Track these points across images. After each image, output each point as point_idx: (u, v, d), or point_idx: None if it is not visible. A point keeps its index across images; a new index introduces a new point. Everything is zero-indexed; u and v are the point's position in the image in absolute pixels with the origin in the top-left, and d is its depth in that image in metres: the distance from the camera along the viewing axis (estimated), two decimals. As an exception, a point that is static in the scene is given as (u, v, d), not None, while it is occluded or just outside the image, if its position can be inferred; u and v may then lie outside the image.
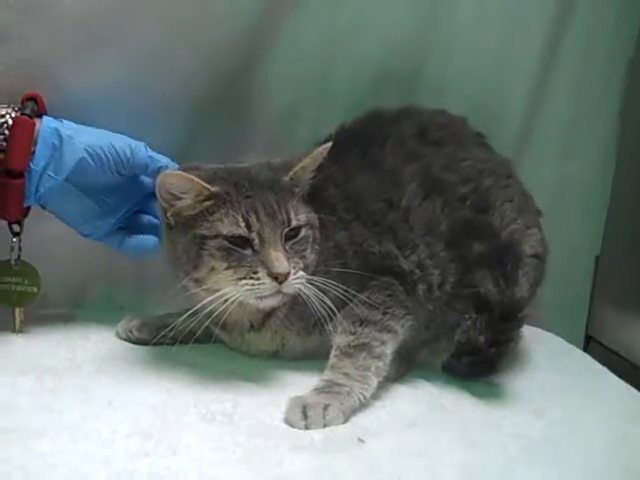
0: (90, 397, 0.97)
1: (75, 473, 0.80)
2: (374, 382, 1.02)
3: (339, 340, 1.05)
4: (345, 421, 0.97)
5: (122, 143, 1.08)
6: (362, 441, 0.92)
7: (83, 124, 1.10)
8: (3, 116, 1.03)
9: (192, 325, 1.15)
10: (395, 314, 1.07)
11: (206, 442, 0.89)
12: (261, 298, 1.01)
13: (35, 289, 1.14)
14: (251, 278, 1.00)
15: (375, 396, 1.03)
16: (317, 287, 1.02)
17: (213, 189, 1.02)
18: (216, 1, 1.19)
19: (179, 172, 1.03)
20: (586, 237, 1.50)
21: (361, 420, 0.98)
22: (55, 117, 1.09)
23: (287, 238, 1.03)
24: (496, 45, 1.36)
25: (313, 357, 1.11)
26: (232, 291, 1.00)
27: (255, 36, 1.24)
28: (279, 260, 0.99)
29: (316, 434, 0.93)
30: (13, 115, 1.04)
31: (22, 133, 1.03)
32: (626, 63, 1.44)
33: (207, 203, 1.02)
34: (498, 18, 1.34)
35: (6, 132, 1.03)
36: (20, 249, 1.13)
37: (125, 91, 1.16)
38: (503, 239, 1.10)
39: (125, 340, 1.17)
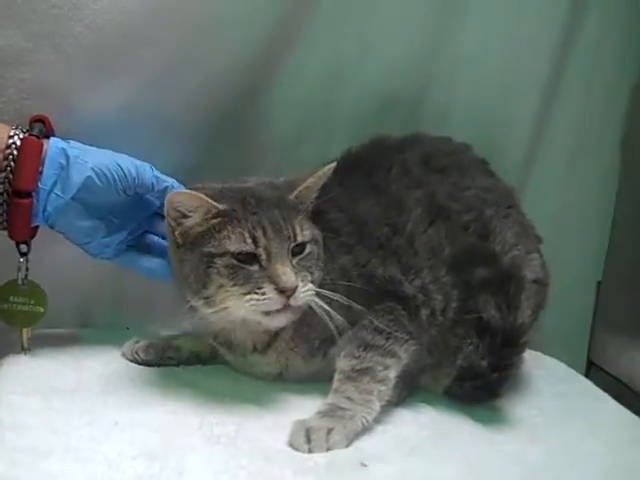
0: (96, 418, 0.98)
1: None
2: (377, 406, 1.03)
3: (342, 364, 1.06)
4: (348, 445, 0.97)
5: (128, 163, 1.10)
6: (365, 465, 0.93)
7: (92, 146, 1.11)
8: (12, 137, 1.04)
9: (198, 347, 1.19)
10: (398, 339, 1.08)
11: (210, 464, 0.90)
12: (269, 315, 1.02)
13: (42, 309, 1.14)
14: (255, 293, 1.00)
15: (378, 420, 1.03)
16: (325, 300, 1.03)
17: (221, 207, 1.03)
18: (224, 30, 1.20)
19: (188, 191, 1.04)
20: (588, 263, 1.51)
21: (364, 444, 0.98)
22: (62, 138, 1.10)
23: (294, 254, 1.04)
24: (500, 73, 1.37)
25: (317, 380, 1.11)
26: (236, 306, 1.01)
27: (261, 64, 1.26)
28: (286, 275, 1.01)
29: (320, 458, 0.93)
30: (21, 136, 1.05)
31: (30, 154, 1.04)
32: (630, 91, 1.46)
33: (214, 221, 1.04)
34: (502, 46, 1.36)
35: (14, 152, 1.04)
36: (27, 269, 1.13)
37: (134, 115, 1.18)
38: (505, 264, 1.11)
39: (131, 361, 1.17)
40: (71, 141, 1.10)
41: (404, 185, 1.16)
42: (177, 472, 0.87)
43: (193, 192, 1.03)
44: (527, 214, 1.37)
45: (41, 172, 1.05)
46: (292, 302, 1.01)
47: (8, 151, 1.04)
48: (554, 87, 1.41)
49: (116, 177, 1.08)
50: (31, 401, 1.00)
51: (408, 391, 1.13)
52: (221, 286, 1.02)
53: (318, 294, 1.04)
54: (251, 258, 1.02)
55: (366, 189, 1.15)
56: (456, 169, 1.20)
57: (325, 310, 1.03)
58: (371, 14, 1.30)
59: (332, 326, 1.03)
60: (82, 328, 1.30)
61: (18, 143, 1.04)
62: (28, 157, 1.04)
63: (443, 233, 1.13)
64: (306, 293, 1.03)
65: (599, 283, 1.52)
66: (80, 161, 1.07)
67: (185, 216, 1.04)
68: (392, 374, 1.06)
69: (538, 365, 1.35)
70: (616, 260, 1.49)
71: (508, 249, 1.14)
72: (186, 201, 1.03)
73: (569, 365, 1.40)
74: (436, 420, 1.09)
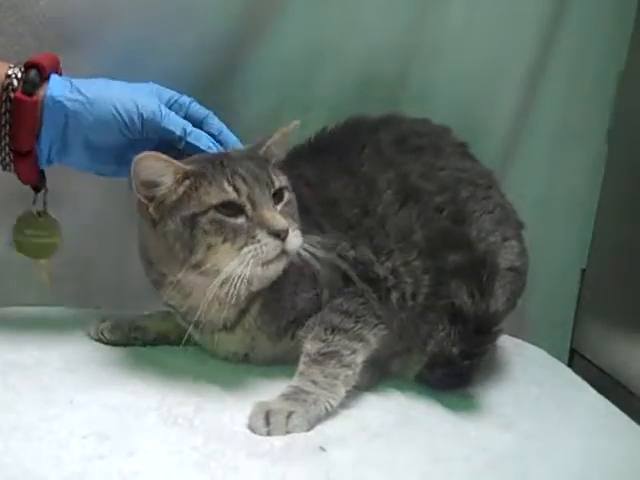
0: (52, 397, 0.96)
1: (25, 474, 0.79)
2: (342, 391, 1.01)
3: (309, 347, 1.04)
4: (309, 429, 0.95)
5: (133, 110, 1.04)
6: (323, 450, 0.91)
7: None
8: (6, 88, 1.00)
9: (165, 327, 1.17)
10: (368, 323, 1.06)
11: (163, 445, 0.88)
12: (266, 265, 0.98)
13: (56, 241, 1.14)
14: (252, 243, 0.97)
15: (343, 405, 1.01)
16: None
17: (188, 167, 1.00)
18: (196, 6, 1.18)
19: (151, 153, 0.99)
20: (572, 250, 1.49)
21: (325, 428, 0.96)
22: (63, 78, 1.05)
23: (275, 202, 1.02)
24: (484, 53, 1.34)
25: (284, 362, 1.09)
26: (238, 265, 0.96)
27: (238, 38, 1.23)
28: (276, 218, 0.98)
29: (277, 441, 0.91)
30: (15, 84, 1.00)
31: (24, 114, 1.01)
32: (616, 76, 1.43)
33: (187, 182, 1.00)
34: (487, 26, 1.33)
35: (9, 107, 1.00)
36: (45, 202, 1.12)
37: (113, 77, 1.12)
38: (479, 251, 1.08)
39: (97, 341, 1.15)
40: (73, 82, 1.04)
41: (376, 165, 1.13)
42: (127, 452, 0.85)
43: (157, 153, 0.99)
44: (510, 199, 1.35)
45: (39, 132, 1.02)
46: (287, 247, 0.98)
47: (3, 106, 1.00)
48: (539, 69, 1.38)
49: (121, 126, 1.03)
50: (-14, 377, 0.99)
51: (378, 376, 1.11)
52: (210, 247, 0.98)
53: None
54: (235, 210, 0.99)
55: (338, 169, 1.13)
56: (430, 150, 1.17)
57: (315, 256, 1.01)
58: None
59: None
60: (51, 306, 1.26)
61: (12, 97, 1.00)
62: (23, 119, 1.01)
63: (415, 215, 1.11)
64: (298, 238, 1.00)
65: (583, 270, 1.49)
66: (80, 118, 1.02)
67: (156, 184, 1.00)
68: (359, 359, 1.04)
69: (518, 352, 1.33)
70: (601, 248, 1.46)
71: (484, 235, 1.12)
72: (152, 164, 0.99)
73: (552, 353, 1.38)
74: (404, 406, 1.06)
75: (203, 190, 0.99)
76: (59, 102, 1.02)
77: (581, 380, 1.25)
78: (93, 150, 1.05)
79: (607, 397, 1.19)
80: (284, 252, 0.99)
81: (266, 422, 0.93)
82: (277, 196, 1.02)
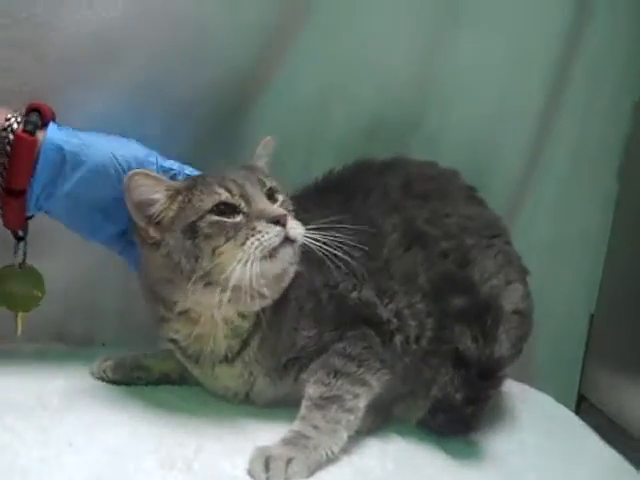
0: (51, 438, 0.95)
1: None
2: (344, 436, 0.99)
3: (311, 390, 1.03)
4: (309, 475, 0.94)
5: (129, 156, 1.06)
6: (320, 498, 0.90)
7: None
8: (5, 129, 1.01)
9: (168, 367, 1.16)
10: (371, 367, 1.05)
11: (160, 491, 0.87)
12: (274, 256, 0.98)
13: (39, 293, 1.14)
14: (253, 235, 0.98)
15: (344, 449, 0.99)
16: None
17: (178, 184, 1.03)
18: (208, 45, 1.19)
19: (141, 170, 1.02)
20: (581, 295, 1.48)
21: (324, 474, 0.95)
22: (60, 126, 1.06)
23: (269, 199, 1.03)
24: (495, 95, 1.35)
25: (286, 404, 1.07)
26: (245, 264, 0.97)
27: (250, 76, 1.24)
28: (271, 206, 1.01)
29: (273, 488, 0.90)
30: (15, 127, 1.02)
31: (23, 152, 1.02)
32: (626, 121, 1.43)
33: (180, 197, 1.02)
34: (498, 67, 1.33)
35: (7, 148, 1.01)
36: (25, 253, 1.12)
37: (114, 128, 1.13)
38: (483, 294, 1.07)
39: (99, 379, 1.14)
40: (70, 131, 1.06)
41: (382, 209, 1.13)
42: (124, 498, 0.85)
43: (147, 170, 1.02)
44: (519, 242, 1.34)
45: (34, 169, 1.03)
46: (290, 232, 0.99)
47: (0, 146, 1.01)
48: (551, 111, 1.39)
49: (113, 175, 1.05)
50: (-15, 419, 0.98)
51: (380, 420, 1.09)
52: (214, 250, 0.99)
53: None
54: (231, 210, 1.00)
55: (344, 211, 1.11)
56: (437, 195, 1.17)
57: (321, 243, 1.00)
58: (363, 34, 1.28)
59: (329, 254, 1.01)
60: (55, 342, 1.27)
61: (11, 137, 1.01)
62: (21, 157, 1.02)
63: (419, 259, 1.10)
64: (299, 226, 1.01)
65: (592, 316, 1.48)
66: (76, 159, 1.04)
67: (150, 203, 1.02)
68: (362, 403, 1.03)
69: (525, 399, 1.32)
70: (609, 292, 1.45)
71: (487, 278, 1.11)
72: (143, 181, 1.01)
73: (559, 398, 1.36)
74: (405, 452, 1.05)
75: (196, 199, 1.01)
76: (58, 144, 1.03)
77: (588, 429, 1.24)
78: (81, 201, 1.06)
79: (612, 444, 1.17)
80: (287, 239, 0.99)
81: (266, 468, 0.92)
82: (271, 198, 1.04)
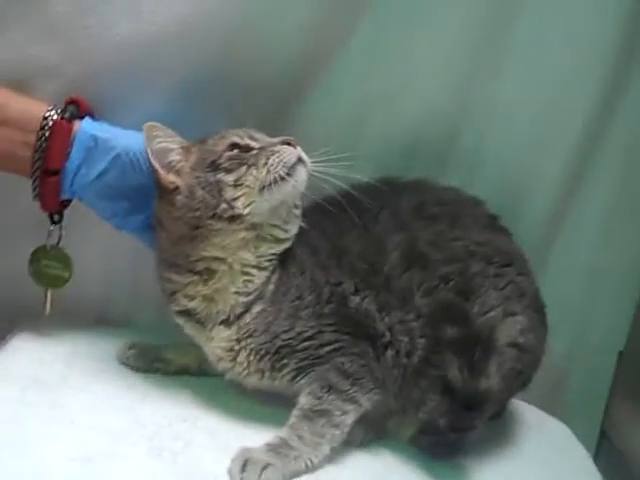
0: (58, 414, 1.04)
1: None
2: (326, 449, 1.05)
3: (304, 401, 1.08)
4: (283, 483, 1.00)
5: None
6: (286, 504, 0.96)
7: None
8: (45, 118, 1.13)
9: (187, 360, 1.24)
10: (364, 387, 1.10)
11: (138, 478, 0.95)
12: (292, 173, 1.07)
13: (67, 274, 1.25)
14: (272, 155, 1.08)
15: (328, 459, 1.05)
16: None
17: (189, 143, 1.14)
18: (256, 43, 1.23)
19: (156, 124, 1.11)
20: (612, 331, 1.46)
21: (297, 483, 1.01)
22: (96, 120, 1.17)
23: None
24: (536, 122, 1.34)
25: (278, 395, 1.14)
26: (265, 181, 1.07)
27: (288, 91, 1.29)
28: (278, 138, 1.11)
29: (243, 489, 0.96)
30: (54, 117, 1.14)
31: (59, 136, 1.13)
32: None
33: (194, 149, 1.13)
34: (541, 94, 1.33)
35: (47, 134, 1.13)
36: (60, 237, 1.23)
37: (163, 123, 1.18)
38: (477, 327, 1.08)
39: (122, 364, 1.23)
40: (104, 124, 1.17)
41: (389, 227, 1.16)
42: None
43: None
44: (552, 273, 1.35)
45: (69, 153, 1.14)
46: (302, 154, 1.09)
47: (41, 132, 1.13)
48: (594, 143, 1.37)
49: (142, 161, 1.14)
50: (10, 390, 1.08)
51: (373, 434, 1.13)
52: (236, 181, 1.08)
53: None
54: (245, 149, 1.10)
55: (354, 224, 1.15)
56: (448, 219, 1.18)
57: (323, 173, 1.09)
58: (408, 53, 1.30)
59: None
60: (93, 325, 1.37)
61: (50, 124, 1.13)
62: (57, 139, 1.13)
63: (417, 280, 1.13)
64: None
65: (621, 353, 1.46)
66: (108, 144, 1.14)
67: (168, 150, 1.11)
68: (349, 420, 1.08)
69: (539, 427, 1.32)
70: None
71: (486, 310, 1.12)
72: (158, 131, 1.11)
73: (581, 433, 1.35)
74: (388, 468, 1.08)
75: (210, 145, 1.12)
76: (91, 132, 1.14)
77: (593, 468, 1.22)
78: (109, 186, 1.15)
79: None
80: (300, 159, 1.09)
81: (242, 469, 0.98)
82: None
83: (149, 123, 1.11)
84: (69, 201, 1.21)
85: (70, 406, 1.08)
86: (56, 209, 1.20)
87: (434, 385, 1.08)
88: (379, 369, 1.11)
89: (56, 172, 1.14)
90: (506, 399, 1.23)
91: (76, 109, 1.17)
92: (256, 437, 1.06)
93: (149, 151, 1.10)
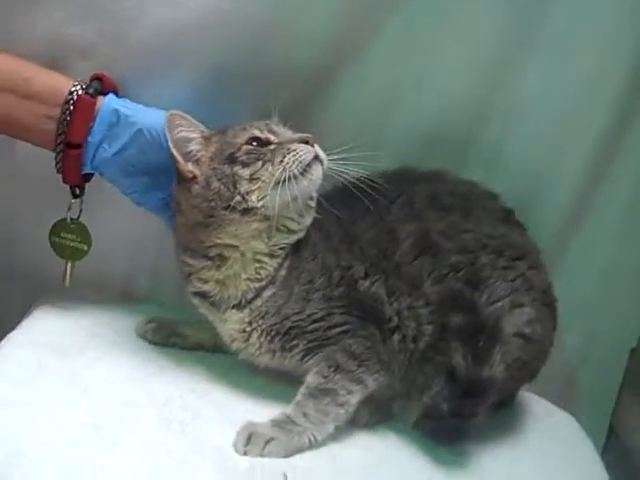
0: (73, 382, 1.08)
1: (17, 446, 0.92)
2: (330, 427, 1.08)
3: (311, 379, 1.12)
4: (285, 457, 1.03)
5: None
6: (286, 477, 0.98)
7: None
8: (71, 93, 1.16)
9: (203, 336, 1.28)
10: (370, 368, 1.12)
11: (145, 446, 0.98)
12: (308, 171, 1.09)
13: (86, 247, 1.29)
14: (289, 153, 1.10)
15: (332, 437, 1.08)
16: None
17: (210, 132, 1.16)
18: (286, 33, 1.25)
19: (179, 112, 1.14)
20: (625, 328, 1.47)
21: (296, 458, 1.03)
22: (120, 97, 1.21)
23: None
24: (557, 121, 1.34)
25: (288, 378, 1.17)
26: (281, 177, 1.08)
27: (316, 79, 1.30)
28: (297, 134, 1.14)
29: (243, 461, 1.00)
30: (79, 92, 1.17)
31: (83, 110, 1.16)
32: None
33: (215, 139, 1.15)
34: (565, 93, 1.33)
35: (71, 108, 1.16)
36: (80, 210, 1.27)
37: (190, 107, 1.21)
38: (483, 316, 1.10)
39: (140, 338, 1.27)
40: (128, 101, 1.20)
41: (402, 216, 1.18)
42: (109, 446, 0.96)
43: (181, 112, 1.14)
44: (568, 268, 1.36)
45: (92, 127, 1.17)
46: (319, 152, 1.11)
47: (66, 106, 1.16)
48: (615, 141, 1.36)
49: (163, 138, 1.16)
50: (27, 354, 1.13)
51: (379, 416, 1.16)
52: (252, 175, 1.10)
53: None
54: (263, 143, 1.13)
55: (368, 210, 1.17)
56: (461, 211, 1.20)
57: (340, 171, 1.12)
58: (435, 47, 1.31)
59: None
60: (118, 298, 1.40)
61: (75, 98, 1.16)
62: (81, 113, 1.16)
63: (427, 268, 1.15)
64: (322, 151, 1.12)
65: (633, 350, 1.46)
66: (130, 120, 1.17)
67: (188, 140, 1.14)
68: (354, 400, 1.11)
69: (547, 418, 1.32)
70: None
71: (493, 300, 1.13)
72: (181, 120, 1.13)
73: (590, 428, 1.35)
74: (390, 449, 1.11)
75: (230, 137, 1.14)
76: (114, 107, 1.17)
77: (597, 459, 1.23)
78: (130, 162, 1.18)
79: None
80: (317, 157, 1.11)
81: (246, 442, 1.02)
82: None
83: (172, 111, 1.13)
84: (91, 175, 1.25)
85: (85, 374, 1.12)
86: (77, 182, 1.24)
87: (439, 371, 1.11)
88: (385, 352, 1.14)
89: (79, 146, 1.17)
90: (512, 389, 1.25)
91: (100, 85, 1.19)
92: (263, 413, 1.09)
93: (170, 139, 1.13)
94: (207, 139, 1.15)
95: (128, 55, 1.24)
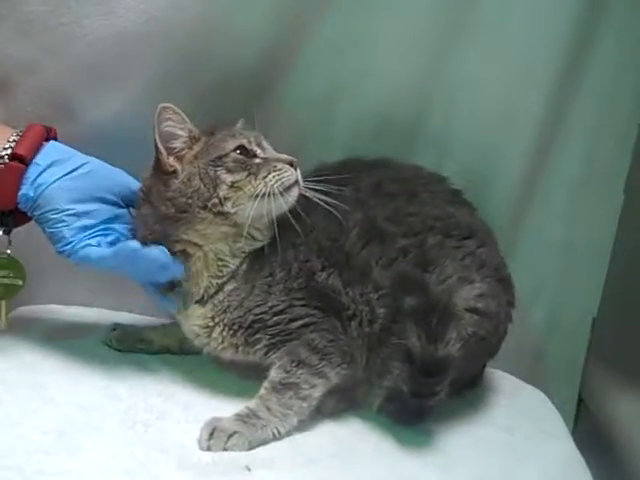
0: (38, 393, 1.09)
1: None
2: (294, 420, 1.10)
3: (274, 374, 1.13)
4: (248, 450, 1.05)
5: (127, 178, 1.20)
6: (249, 470, 1.00)
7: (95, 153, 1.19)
8: (6, 149, 1.12)
9: (168, 341, 1.30)
10: (332, 362, 1.14)
11: (108, 448, 1.00)
12: (287, 193, 1.13)
13: (20, 282, 1.22)
14: (274, 171, 1.12)
15: (297, 427, 1.10)
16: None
17: (199, 131, 1.17)
18: (216, 50, 1.28)
19: (171, 105, 1.14)
20: (584, 298, 1.49)
21: (261, 449, 1.05)
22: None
23: None
24: (501, 99, 1.37)
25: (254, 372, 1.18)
26: (262, 191, 1.11)
27: (259, 76, 1.32)
28: (283, 155, 1.16)
29: (206, 456, 1.01)
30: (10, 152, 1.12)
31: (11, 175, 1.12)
32: (636, 134, 1.41)
33: (203, 139, 1.17)
34: (504, 72, 1.35)
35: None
36: (10, 242, 1.20)
37: (131, 125, 1.25)
38: (434, 295, 1.11)
39: (107, 346, 1.28)
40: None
41: (349, 205, 1.18)
42: (71, 451, 0.98)
43: (174, 107, 1.14)
44: (525, 247, 1.39)
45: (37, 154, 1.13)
46: (299, 176, 1.14)
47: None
48: (559, 117, 1.39)
49: (112, 176, 1.18)
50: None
51: (344, 404, 1.18)
52: (233, 183, 1.12)
53: None
54: (250, 154, 1.15)
55: (319, 205, 1.17)
56: (405, 195, 1.21)
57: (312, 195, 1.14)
58: (374, 37, 1.33)
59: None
60: (87, 307, 1.42)
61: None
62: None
63: (376, 255, 1.16)
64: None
65: (594, 320, 1.49)
66: (79, 155, 1.16)
67: (175, 136, 1.15)
68: (316, 393, 1.13)
69: (515, 394, 1.35)
70: (611, 297, 1.45)
71: (443, 279, 1.15)
72: (172, 115, 1.13)
73: (560, 401, 1.38)
74: (354, 436, 1.13)
75: (219, 141, 1.16)
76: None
77: (566, 432, 1.25)
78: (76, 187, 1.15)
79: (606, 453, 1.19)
80: (297, 181, 1.14)
81: (209, 437, 1.04)
82: None
83: (163, 104, 1.13)
84: (25, 219, 1.17)
85: (51, 385, 1.12)
86: (10, 205, 1.14)
87: (396, 353, 1.12)
88: (347, 343, 1.15)
89: (22, 161, 1.13)
90: (474, 367, 1.26)
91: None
92: (230, 410, 1.11)
93: (156, 131, 1.14)
94: (193, 139, 1.16)
95: (71, 68, 1.26)
